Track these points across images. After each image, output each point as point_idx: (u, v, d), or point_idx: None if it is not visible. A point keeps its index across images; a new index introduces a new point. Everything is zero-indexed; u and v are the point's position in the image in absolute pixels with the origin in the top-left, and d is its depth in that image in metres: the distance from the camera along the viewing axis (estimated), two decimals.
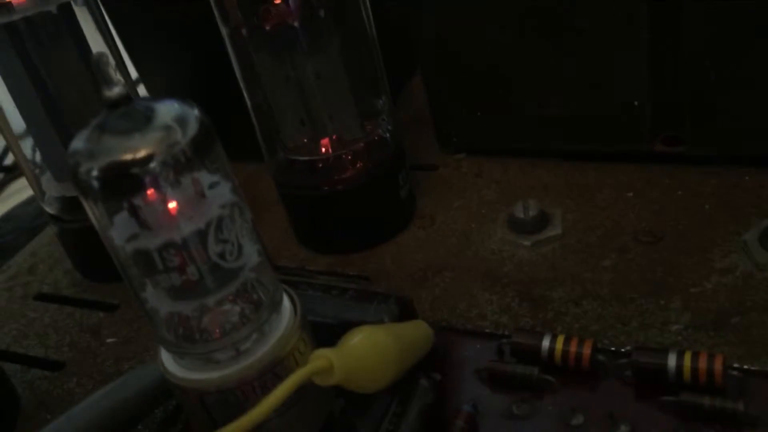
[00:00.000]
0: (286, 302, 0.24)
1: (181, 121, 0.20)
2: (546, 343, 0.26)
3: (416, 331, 0.26)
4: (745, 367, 0.24)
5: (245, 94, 0.33)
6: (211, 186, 0.20)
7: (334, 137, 0.33)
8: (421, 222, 0.36)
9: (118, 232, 0.20)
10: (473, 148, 0.38)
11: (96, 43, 0.35)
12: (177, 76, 0.43)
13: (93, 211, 0.20)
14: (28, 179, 0.37)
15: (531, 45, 0.33)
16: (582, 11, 0.31)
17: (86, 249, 0.38)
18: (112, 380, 0.31)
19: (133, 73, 0.42)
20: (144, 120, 0.20)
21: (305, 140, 0.34)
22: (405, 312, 0.28)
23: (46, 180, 0.37)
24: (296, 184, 0.34)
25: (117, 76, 0.19)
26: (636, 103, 0.33)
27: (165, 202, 0.20)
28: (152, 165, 0.19)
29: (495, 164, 0.38)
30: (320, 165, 0.33)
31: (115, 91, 0.19)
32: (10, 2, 0.31)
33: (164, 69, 0.43)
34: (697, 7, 0.29)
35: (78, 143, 0.20)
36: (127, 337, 0.34)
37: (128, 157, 0.19)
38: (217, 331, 0.22)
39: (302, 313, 0.23)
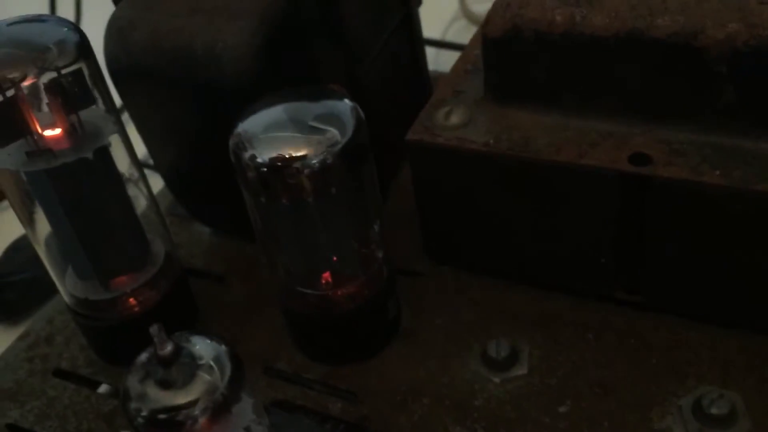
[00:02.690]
0: None
1: (220, 365, 0.24)
2: None
3: None
4: None
5: (254, 226, 0.37)
6: (240, 407, 0.25)
7: (334, 270, 0.37)
8: (405, 337, 0.40)
9: None
10: (458, 264, 0.43)
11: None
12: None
13: None
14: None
15: (516, 201, 0.37)
16: (564, 187, 0.35)
17: (103, 340, 0.42)
18: None
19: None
20: (188, 371, 0.24)
21: (306, 272, 0.38)
22: None
23: (68, 275, 0.41)
24: (297, 306, 0.38)
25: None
26: (603, 260, 0.37)
27: None
28: (195, 411, 0.23)
29: (475, 282, 0.42)
30: (319, 294, 0.38)
31: (168, 350, 0.23)
32: (51, 149, 0.34)
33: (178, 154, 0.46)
34: (660, 204, 0.34)
35: (130, 386, 0.24)
36: None
37: (173, 407, 0.23)
38: None
39: None
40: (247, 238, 0.47)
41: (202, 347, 0.25)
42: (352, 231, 0.37)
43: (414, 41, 0.49)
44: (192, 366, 0.24)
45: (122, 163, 0.39)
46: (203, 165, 0.44)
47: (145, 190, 0.41)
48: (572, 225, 0.37)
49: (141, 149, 0.42)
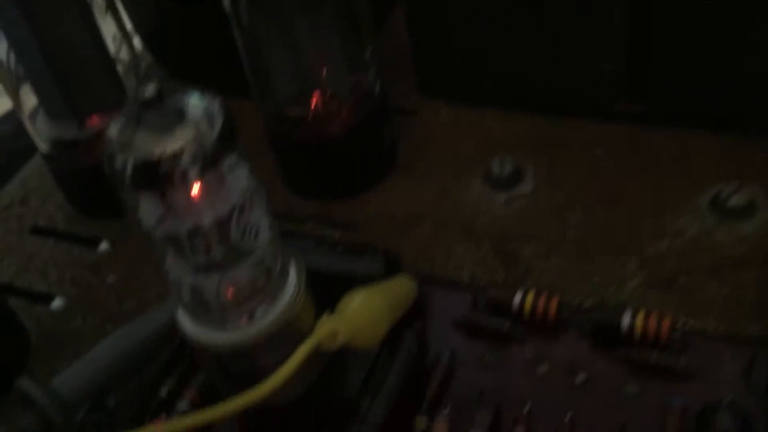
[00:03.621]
0: (291, 269, 0.26)
1: (209, 116, 0.22)
2: (517, 298, 0.30)
3: (403, 288, 0.29)
4: (687, 327, 0.28)
5: (241, 49, 0.34)
6: (233, 174, 0.23)
7: (324, 91, 0.35)
8: (402, 169, 0.38)
9: (148, 217, 0.22)
10: (452, 96, 0.40)
11: None
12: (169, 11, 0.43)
13: (125, 196, 0.22)
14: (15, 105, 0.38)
15: (516, 7, 0.35)
16: None
17: (80, 188, 0.39)
18: (117, 318, 0.34)
19: None
20: (175, 117, 0.21)
21: (296, 93, 0.35)
22: (392, 265, 0.31)
23: (40, 119, 0.38)
24: (287, 135, 0.36)
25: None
26: (607, 66, 0.35)
27: (193, 193, 0.22)
28: (183, 160, 0.21)
29: (472, 114, 0.40)
30: (310, 118, 0.35)
31: (150, 90, 0.21)
32: None
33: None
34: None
35: (113, 132, 0.22)
36: (127, 275, 0.36)
37: (161, 153, 0.21)
38: (232, 299, 0.25)
39: (305, 278, 0.26)
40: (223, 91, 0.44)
41: (191, 98, 0.22)
42: (341, 48, 0.35)
43: None
44: (179, 113, 0.22)
45: None
46: (182, 22, 0.41)
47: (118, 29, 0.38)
48: (577, 29, 0.34)
49: None
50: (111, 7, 0.37)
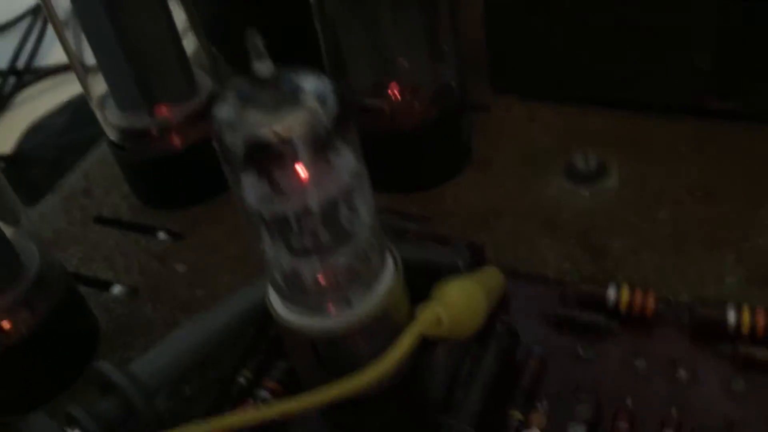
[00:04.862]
0: (388, 256, 0.25)
1: (323, 98, 0.21)
2: (611, 293, 0.28)
3: (494, 279, 0.28)
4: None
5: (321, 38, 0.33)
6: (342, 156, 0.22)
7: (403, 82, 0.34)
8: (477, 164, 0.37)
9: (253, 197, 0.22)
10: (526, 92, 0.39)
11: None
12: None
13: (231, 174, 0.22)
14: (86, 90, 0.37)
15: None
16: None
17: (148, 178, 0.39)
18: (188, 307, 0.33)
19: None
20: (289, 97, 0.21)
21: (374, 85, 0.35)
22: (476, 257, 0.30)
23: (109, 108, 0.37)
24: (362, 125, 0.35)
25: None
26: (698, 62, 0.34)
27: (303, 175, 0.21)
28: (295, 142, 0.20)
29: (548, 110, 0.39)
30: (387, 109, 0.34)
31: (266, 68, 0.20)
32: None
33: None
34: None
35: (222, 112, 0.21)
36: (196, 265, 0.36)
37: (273, 133, 0.20)
38: (330, 284, 0.24)
39: (402, 266, 0.25)
40: None
41: (304, 78, 0.21)
42: (423, 39, 0.34)
43: None
44: (292, 93, 0.21)
45: None
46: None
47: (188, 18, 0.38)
48: (665, 20, 0.33)
49: None
50: None
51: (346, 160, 0.22)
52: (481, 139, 0.38)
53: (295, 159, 0.21)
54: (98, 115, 0.37)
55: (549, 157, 0.36)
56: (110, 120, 0.37)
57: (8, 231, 0.30)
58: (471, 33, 0.39)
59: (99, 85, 0.37)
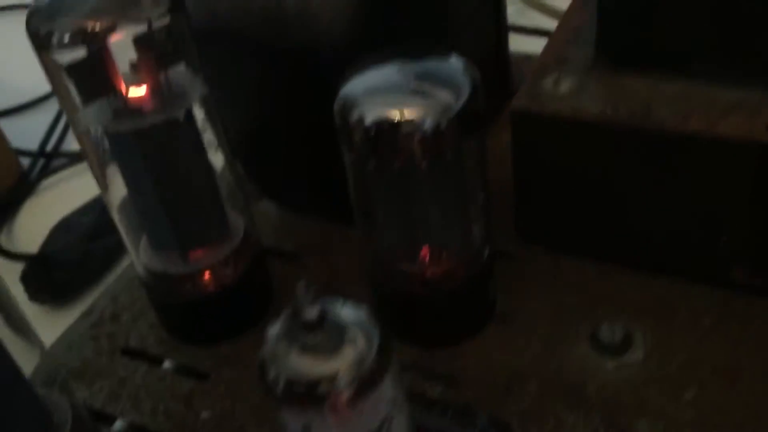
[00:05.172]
0: None
1: (368, 335, 0.22)
2: None
3: None
4: None
5: (354, 201, 0.34)
6: (386, 392, 0.22)
7: (433, 249, 0.35)
8: (501, 318, 0.37)
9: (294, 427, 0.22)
10: (553, 244, 0.40)
11: None
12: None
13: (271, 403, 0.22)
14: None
15: (631, 174, 0.35)
16: (689, 159, 0.33)
17: (176, 317, 0.39)
18: None
19: None
20: (334, 338, 0.21)
21: (405, 246, 0.35)
22: None
23: (142, 247, 0.38)
24: (390, 285, 0.36)
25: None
26: (724, 238, 0.34)
27: (345, 413, 0.22)
28: (339, 383, 0.21)
29: (573, 265, 0.39)
30: (417, 270, 0.35)
31: (312, 313, 0.21)
32: (140, 109, 0.32)
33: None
34: None
35: (270, 343, 0.21)
36: (221, 412, 0.36)
37: (317, 376, 0.21)
38: None
39: None
40: (322, 215, 0.44)
41: (347, 312, 0.22)
42: (457, 203, 0.35)
43: (499, 14, 0.47)
44: (338, 332, 0.21)
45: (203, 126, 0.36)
46: (286, 134, 0.41)
47: (223, 158, 0.38)
48: (692, 200, 0.34)
49: None
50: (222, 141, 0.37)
51: (387, 387, 0.23)
52: (504, 290, 0.39)
53: (338, 398, 0.21)
54: (131, 252, 0.38)
55: (573, 319, 0.37)
56: (143, 259, 0.38)
57: (42, 389, 0.31)
58: (494, 172, 0.40)
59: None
